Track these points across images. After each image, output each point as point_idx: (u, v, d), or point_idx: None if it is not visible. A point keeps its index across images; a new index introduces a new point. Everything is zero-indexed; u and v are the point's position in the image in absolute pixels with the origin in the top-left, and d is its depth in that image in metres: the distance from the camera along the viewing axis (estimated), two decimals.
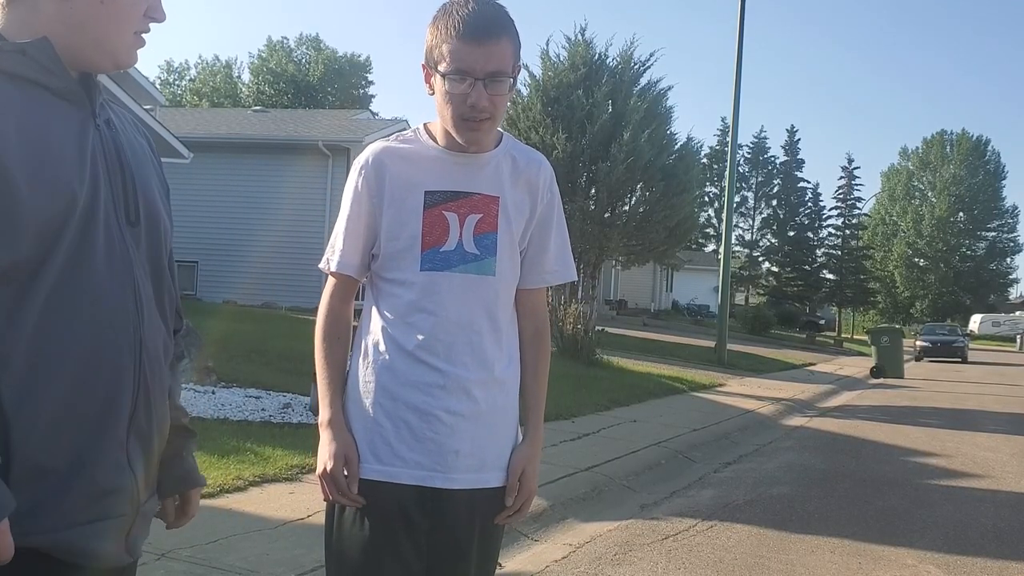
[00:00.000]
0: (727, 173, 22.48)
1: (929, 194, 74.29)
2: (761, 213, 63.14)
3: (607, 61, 16.47)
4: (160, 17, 1.49)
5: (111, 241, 1.42)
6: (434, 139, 1.97)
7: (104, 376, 1.39)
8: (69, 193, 1.35)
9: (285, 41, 61.67)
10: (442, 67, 1.85)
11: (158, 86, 35.97)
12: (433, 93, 1.90)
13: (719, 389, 14.17)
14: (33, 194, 1.30)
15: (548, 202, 2.05)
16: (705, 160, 49.09)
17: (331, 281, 2.02)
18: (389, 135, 2.09)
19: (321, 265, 2.02)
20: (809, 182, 67.90)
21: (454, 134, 1.91)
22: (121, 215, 1.45)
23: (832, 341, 38.79)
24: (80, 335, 1.36)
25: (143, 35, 1.48)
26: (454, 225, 1.93)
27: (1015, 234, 73.70)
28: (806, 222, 59.36)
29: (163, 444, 1.58)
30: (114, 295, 1.41)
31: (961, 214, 72.15)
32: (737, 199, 58.19)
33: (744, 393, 13.85)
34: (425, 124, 2.01)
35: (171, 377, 1.67)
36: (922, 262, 71.54)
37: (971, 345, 39.78)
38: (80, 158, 1.39)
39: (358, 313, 2.05)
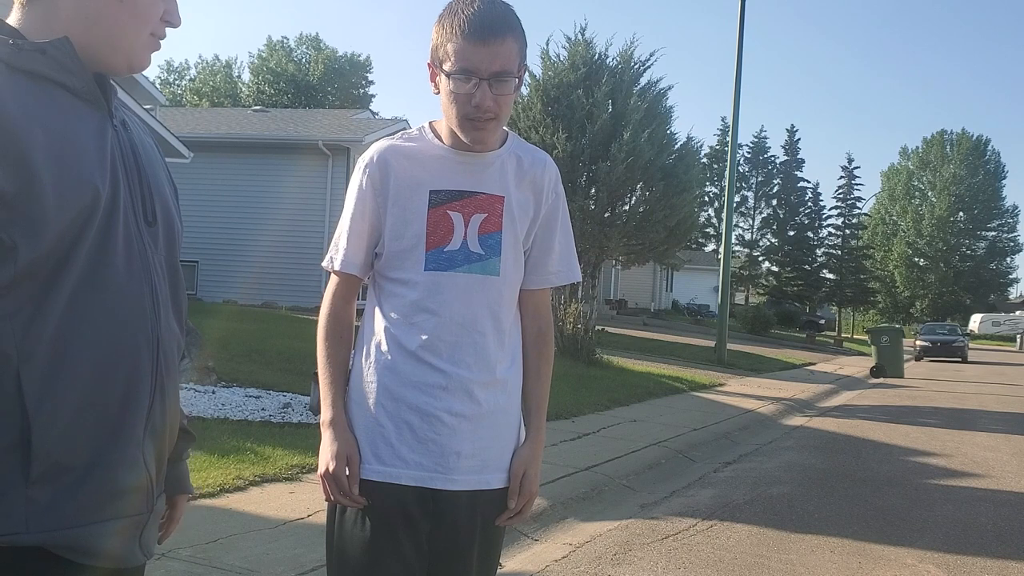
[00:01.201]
0: (727, 173, 22.48)
1: (929, 194, 74.26)
2: (761, 213, 63.11)
3: (607, 61, 16.42)
4: (176, 22, 1.49)
5: (130, 241, 1.42)
6: (439, 138, 1.96)
7: (123, 375, 1.39)
8: (93, 191, 1.35)
9: (285, 41, 61.67)
10: (447, 66, 1.84)
11: (158, 86, 35.93)
12: (438, 92, 1.89)
13: (719, 389, 14.18)
14: (58, 193, 1.30)
15: (553, 202, 2.04)
16: (705, 160, 49.05)
17: (334, 280, 2.01)
18: (389, 134, 2.08)
19: (324, 264, 2.01)
20: (809, 182, 67.77)
21: (459, 134, 1.90)
22: (139, 215, 1.46)
23: (832, 341, 38.73)
24: (100, 333, 1.37)
25: (159, 39, 1.48)
26: (459, 225, 1.92)
27: (1015, 234, 73.77)
28: (806, 222, 59.32)
29: (172, 444, 1.59)
30: (133, 295, 1.42)
31: (961, 214, 72.11)
32: (737, 199, 58.19)
33: (744, 393, 13.85)
34: (430, 122, 2.00)
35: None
36: (922, 262, 71.51)
37: (971, 345, 39.77)
38: (101, 158, 1.40)
39: (361, 313, 2.05)
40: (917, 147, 76.84)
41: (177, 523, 1.74)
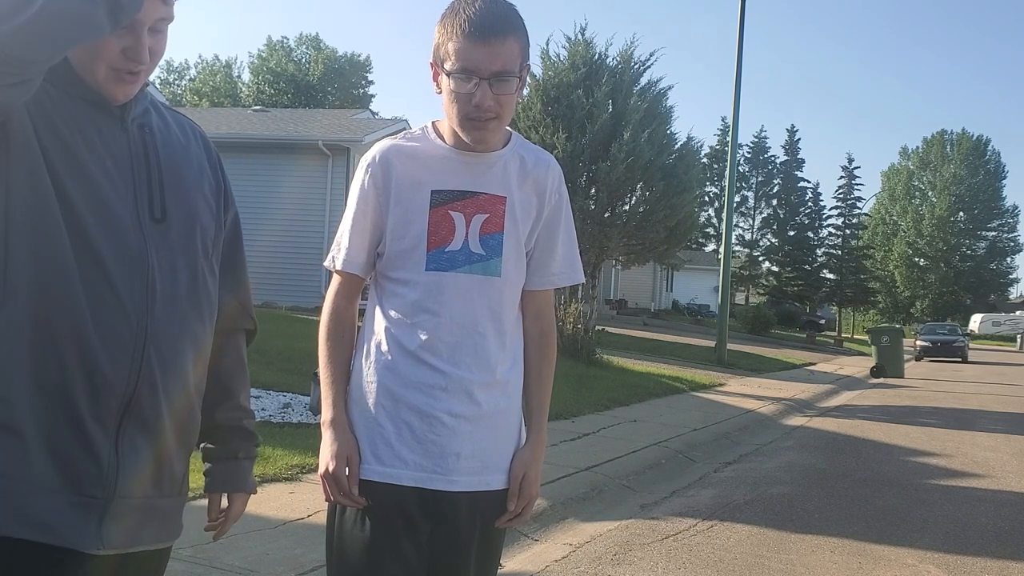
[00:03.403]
0: (727, 173, 22.47)
1: (929, 194, 74.25)
2: (761, 213, 63.08)
3: (607, 61, 16.39)
4: (138, 59, 1.51)
5: (123, 235, 1.48)
6: (442, 138, 1.96)
7: (87, 357, 1.43)
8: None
9: (285, 41, 61.67)
10: (448, 66, 1.84)
11: (158, 86, 35.96)
12: (441, 92, 1.89)
13: (719, 389, 14.17)
14: None
15: (556, 203, 2.03)
16: (705, 160, 48.92)
17: (336, 279, 2.00)
18: (389, 134, 2.09)
19: (326, 263, 2.01)
20: (809, 182, 67.60)
21: (460, 133, 1.90)
22: (144, 211, 1.52)
23: (832, 341, 38.72)
24: (63, 314, 1.42)
25: (124, 73, 1.51)
26: (460, 225, 1.92)
27: (1015, 234, 73.77)
28: (806, 222, 59.31)
29: (188, 442, 1.62)
30: (118, 287, 1.46)
31: (961, 214, 72.09)
32: (737, 199, 58.13)
33: (744, 393, 13.85)
34: (433, 122, 2.00)
35: (239, 380, 1.77)
36: (922, 262, 71.50)
37: (971, 345, 39.74)
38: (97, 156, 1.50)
39: (363, 312, 2.04)
40: (917, 147, 76.91)
41: (234, 520, 1.81)
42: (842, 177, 55.87)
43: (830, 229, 57.01)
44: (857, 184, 55.79)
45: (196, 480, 1.75)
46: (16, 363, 1.38)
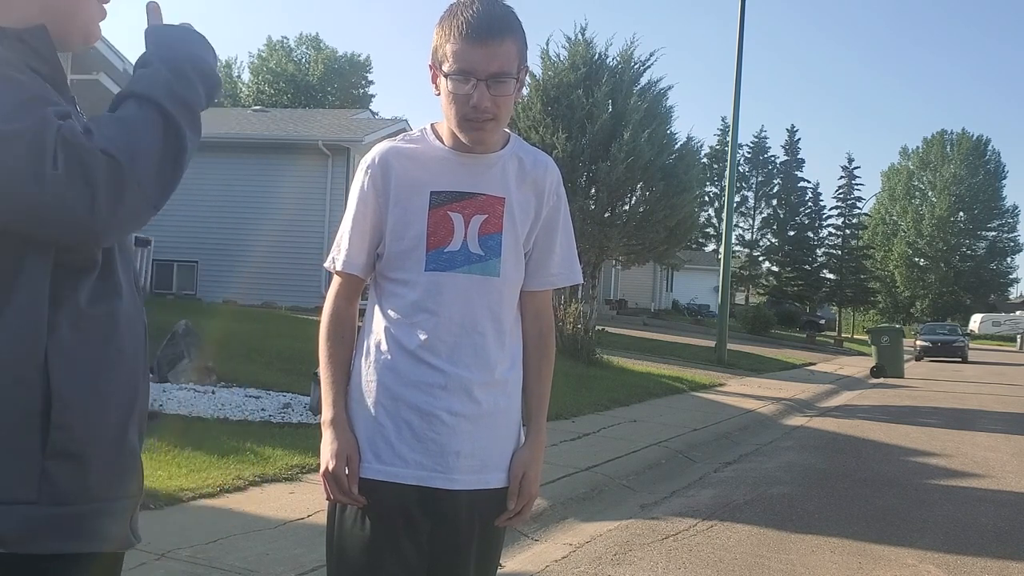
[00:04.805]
0: (727, 173, 22.49)
1: (929, 194, 74.28)
2: (761, 213, 63.10)
3: (607, 61, 16.40)
4: None
5: (126, 249, 1.49)
6: (440, 139, 1.97)
7: (133, 369, 1.46)
8: None
9: (285, 41, 61.66)
10: (446, 67, 1.85)
11: None
12: (440, 93, 1.91)
13: (719, 389, 14.17)
14: None
15: (554, 204, 2.05)
16: (705, 160, 48.89)
17: (336, 280, 2.02)
18: (389, 135, 2.10)
19: (326, 264, 2.02)
20: (809, 182, 67.52)
21: (458, 134, 1.91)
22: None
23: (832, 341, 38.74)
24: (133, 340, 1.45)
25: (104, 4, 1.48)
26: (459, 225, 1.93)
27: (1015, 234, 73.80)
28: (806, 222, 59.34)
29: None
30: (136, 299, 1.50)
31: (961, 214, 72.12)
32: (737, 199, 58.13)
33: (744, 393, 13.85)
34: (432, 124, 2.01)
35: None
36: (922, 262, 71.52)
37: (971, 345, 39.76)
38: None
39: (363, 312, 2.05)
40: (917, 147, 76.96)
41: None
42: (842, 177, 55.96)
43: (830, 229, 57.08)
44: (857, 184, 55.87)
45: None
46: (86, 393, 1.38)
